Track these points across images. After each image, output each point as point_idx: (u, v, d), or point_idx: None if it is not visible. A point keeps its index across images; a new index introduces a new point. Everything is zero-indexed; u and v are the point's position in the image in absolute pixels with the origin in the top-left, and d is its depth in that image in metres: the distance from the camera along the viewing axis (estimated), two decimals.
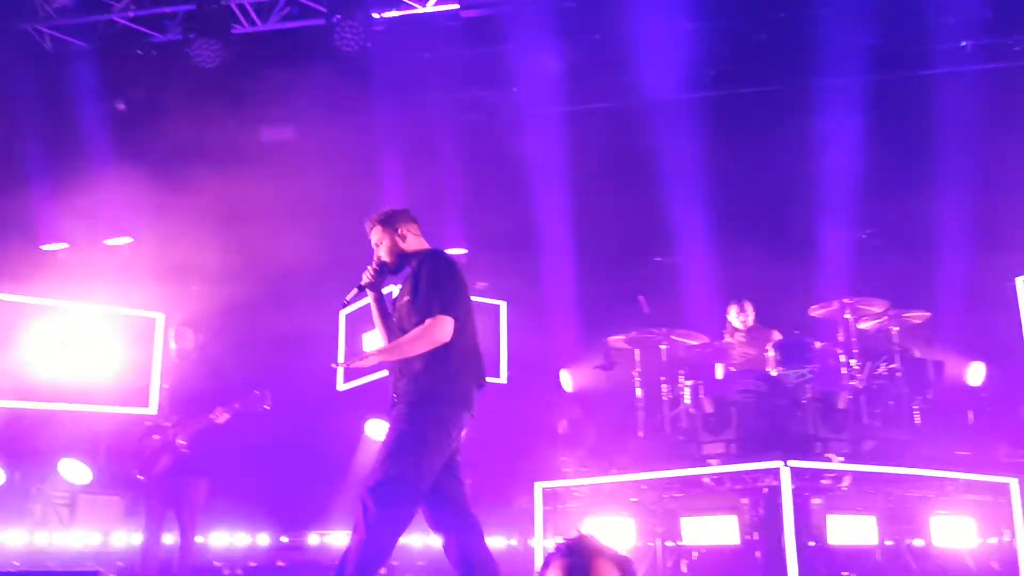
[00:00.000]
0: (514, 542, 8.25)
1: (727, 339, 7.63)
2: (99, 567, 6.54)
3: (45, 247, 8.83)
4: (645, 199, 8.37)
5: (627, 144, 8.38)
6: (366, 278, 4.44)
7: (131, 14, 8.42)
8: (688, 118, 7.96)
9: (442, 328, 4.13)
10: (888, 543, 5.59)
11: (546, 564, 2.17)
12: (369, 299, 4.51)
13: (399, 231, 4.44)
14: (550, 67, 8.55)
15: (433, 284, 4.21)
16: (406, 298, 4.33)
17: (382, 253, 4.46)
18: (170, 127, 8.54)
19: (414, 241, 4.48)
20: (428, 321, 4.13)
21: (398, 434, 4.09)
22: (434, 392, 4.14)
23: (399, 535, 4.09)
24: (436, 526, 4.29)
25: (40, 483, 7.43)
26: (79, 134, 8.19)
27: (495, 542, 8.24)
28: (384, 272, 4.46)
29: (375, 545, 4.00)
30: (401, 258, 4.44)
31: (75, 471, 7.39)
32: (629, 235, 8.58)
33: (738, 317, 7.61)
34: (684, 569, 5.88)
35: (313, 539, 8.05)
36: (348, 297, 4.49)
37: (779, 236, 8.29)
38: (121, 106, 8.83)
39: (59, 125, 8.10)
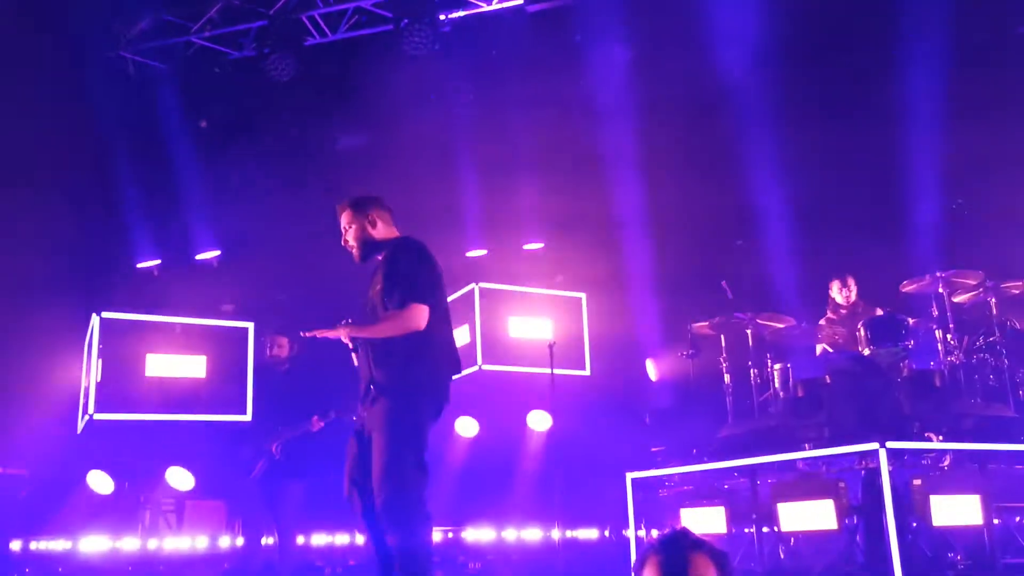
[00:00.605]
0: (607, 533, 8.25)
1: (829, 315, 7.47)
2: (207, 571, 6.77)
3: (140, 265, 9.18)
4: (724, 182, 8.24)
5: (702, 127, 8.26)
6: (347, 341, 4.31)
7: (207, 34, 8.68)
8: (764, 96, 7.80)
9: (417, 316, 4.12)
10: (996, 522, 5.39)
11: (641, 560, 2.15)
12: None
13: (369, 216, 4.39)
14: (619, 55, 8.49)
15: (409, 272, 4.20)
16: (378, 286, 4.28)
17: (350, 238, 4.42)
18: (250, 141, 8.81)
19: (384, 229, 4.43)
20: (404, 309, 4.12)
21: (395, 433, 4.06)
22: (417, 383, 4.14)
23: (430, 523, 4.13)
24: (368, 516, 4.21)
25: (148, 491, 7.74)
26: (166, 154, 8.49)
27: (587, 534, 8.25)
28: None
29: (418, 545, 4.05)
30: (370, 245, 4.40)
31: (180, 479, 7.68)
32: (709, 219, 8.45)
33: (840, 293, 7.44)
34: (782, 555, 5.78)
35: None
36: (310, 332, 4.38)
37: (865, 211, 8.06)
38: (203, 124, 9.13)
39: (147, 146, 8.41)
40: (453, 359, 4.34)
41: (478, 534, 8.00)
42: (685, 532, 2.16)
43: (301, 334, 4.30)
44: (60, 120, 7.83)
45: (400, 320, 4.12)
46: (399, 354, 4.14)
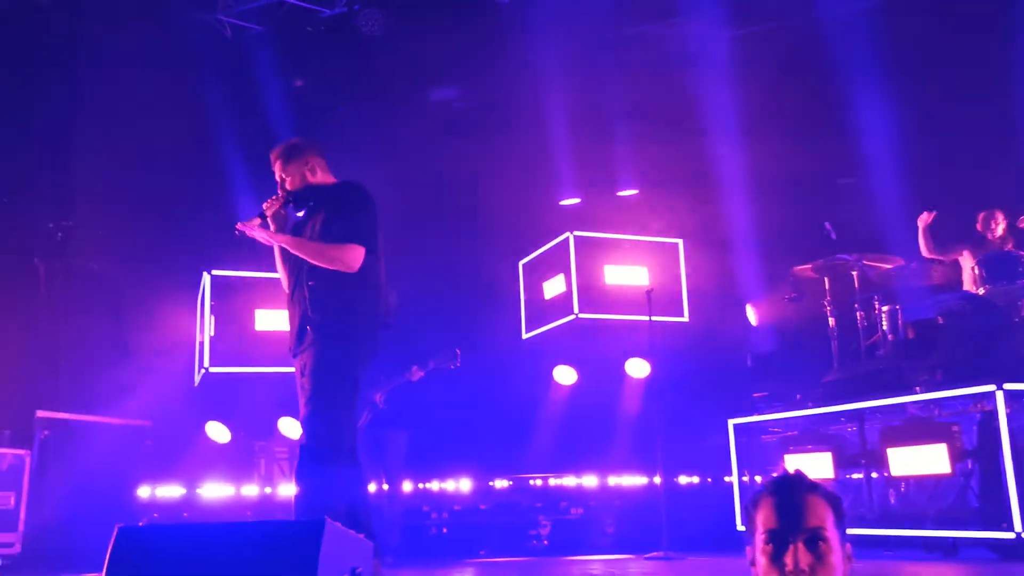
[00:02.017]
0: (709, 480, 8.23)
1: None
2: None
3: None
4: (823, 119, 7.95)
5: (801, 63, 7.96)
6: (268, 208, 4.21)
7: None
8: (866, 29, 7.46)
9: (354, 255, 4.01)
10: None
11: (754, 502, 2.13)
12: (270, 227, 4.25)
13: (309, 163, 4.26)
14: None
15: (354, 212, 4.09)
16: (318, 225, 4.15)
17: (288, 187, 4.27)
18: (344, 97, 8.93)
19: (322, 175, 4.31)
20: (342, 244, 4.02)
21: (327, 376, 3.97)
22: (353, 328, 4.04)
23: (360, 471, 4.03)
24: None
25: (263, 440, 8.08)
26: (265, 113, 8.69)
27: (689, 480, 8.25)
28: (287, 202, 4.26)
29: (337, 492, 3.91)
30: (308, 191, 4.26)
31: (292, 428, 7.99)
32: (809, 158, 8.18)
33: (988, 227, 7.05)
34: (893, 501, 5.67)
35: (504, 483, 8.32)
36: (246, 223, 4.19)
37: (974, 144, 7.66)
38: (299, 83, 9.29)
39: (246, 106, 8.62)
40: (386, 307, 4.25)
41: (579, 481, 8.10)
42: (800, 474, 2.12)
43: (236, 228, 4.13)
44: (164, 84, 8.11)
45: (336, 253, 4.02)
46: (337, 297, 4.06)
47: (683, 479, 8.23)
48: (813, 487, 2.09)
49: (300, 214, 4.39)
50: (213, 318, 7.41)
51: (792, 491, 2.08)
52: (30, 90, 7.94)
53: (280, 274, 4.33)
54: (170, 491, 7.64)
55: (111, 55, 8.01)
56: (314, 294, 4.09)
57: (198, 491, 7.73)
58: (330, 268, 4.03)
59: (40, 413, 7.06)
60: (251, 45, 9.02)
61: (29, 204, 8.02)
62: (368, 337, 4.11)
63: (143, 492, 7.54)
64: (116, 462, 7.40)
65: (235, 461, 7.98)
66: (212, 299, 7.45)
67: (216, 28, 9.08)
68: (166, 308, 8.13)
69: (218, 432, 7.88)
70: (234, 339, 7.47)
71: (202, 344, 7.59)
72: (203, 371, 7.46)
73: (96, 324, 8.18)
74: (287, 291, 4.28)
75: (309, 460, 3.92)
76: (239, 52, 8.94)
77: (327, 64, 9.15)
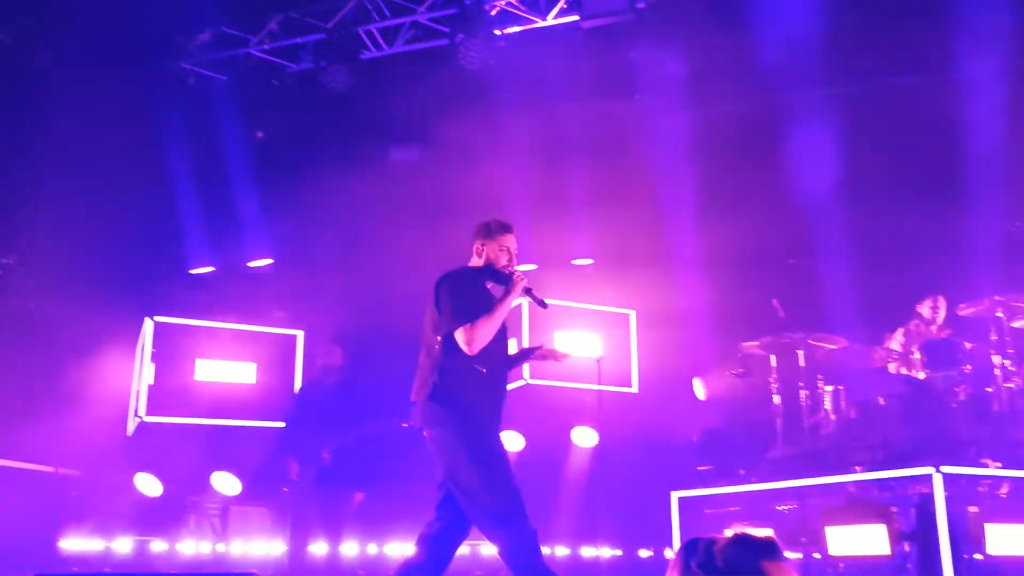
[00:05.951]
0: (650, 553, 8.13)
1: (910, 328, 7.22)
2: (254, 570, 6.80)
3: (194, 271, 9.32)
4: (776, 200, 8.13)
5: (756, 145, 8.17)
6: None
7: (266, 46, 8.83)
8: (822, 114, 7.69)
9: None
10: None
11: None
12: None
13: None
14: (674, 72, 8.44)
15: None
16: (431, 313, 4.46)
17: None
18: (305, 151, 8.93)
19: None
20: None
21: (474, 463, 4.22)
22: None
23: (535, 540, 4.11)
24: None
25: (194, 495, 7.81)
26: (222, 162, 8.64)
27: (631, 553, 8.13)
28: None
29: (528, 561, 4.06)
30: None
31: (226, 483, 7.75)
32: (761, 238, 8.34)
33: (931, 313, 7.15)
34: None
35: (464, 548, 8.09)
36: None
37: (922, 232, 7.88)
38: (260, 134, 9.28)
39: (204, 155, 8.57)
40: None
41: None
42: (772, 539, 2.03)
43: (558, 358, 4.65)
44: (120, 126, 8.03)
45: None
46: (439, 378, 4.45)
47: (625, 551, 8.12)
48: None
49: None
50: (153, 365, 7.23)
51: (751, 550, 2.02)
52: None
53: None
54: (92, 544, 7.32)
55: (69, 94, 7.92)
56: (424, 377, 4.52)
57: (121, 545, 7.42)
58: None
59: None
60: (214, 95, 9.01)
61: None
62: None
63: (65, 544, 7.22)
64: (40, 511, 7.10)
65: (165, 515, 7.69)
66: (153, 346, 7.28)
67: (178, 75, 9.05)
68: (103, 353, 7.90)
69: (148, 484, 7.61)
70: (173, 388, 7.28)
71: (138, 392, 7.38)
72: (137, 420, 7.24)
73: (29, 366, 7.92)
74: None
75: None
76: (200, 100, 8.92)
77: (290, 118, 9.17)
